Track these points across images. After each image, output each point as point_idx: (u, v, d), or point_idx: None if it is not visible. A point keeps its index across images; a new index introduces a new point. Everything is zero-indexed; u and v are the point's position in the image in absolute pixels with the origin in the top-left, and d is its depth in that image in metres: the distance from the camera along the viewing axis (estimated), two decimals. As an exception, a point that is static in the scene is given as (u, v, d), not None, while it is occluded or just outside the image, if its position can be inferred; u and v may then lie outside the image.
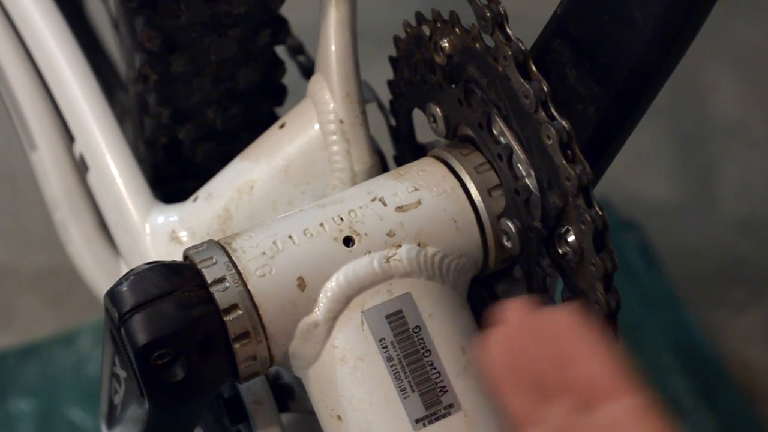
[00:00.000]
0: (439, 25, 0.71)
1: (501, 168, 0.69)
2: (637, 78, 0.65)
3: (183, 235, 0.82)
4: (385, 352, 0.66)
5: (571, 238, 0.65)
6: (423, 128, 0.77)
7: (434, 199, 0.69)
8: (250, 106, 0.90)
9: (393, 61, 0.77)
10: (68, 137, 0.91)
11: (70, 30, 0.90)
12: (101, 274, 0.95)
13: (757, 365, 1.51)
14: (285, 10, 0.86)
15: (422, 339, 0.67)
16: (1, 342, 1.53)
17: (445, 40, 0.70)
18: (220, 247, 0.67)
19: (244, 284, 0.65)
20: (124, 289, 0.64)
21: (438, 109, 0.73)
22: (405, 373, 0.66)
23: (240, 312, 0.65)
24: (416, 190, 0.69)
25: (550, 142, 0.64)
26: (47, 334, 1.53)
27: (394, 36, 0.76)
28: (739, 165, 1.74)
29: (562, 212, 0.65)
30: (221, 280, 0.65)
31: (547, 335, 0.53)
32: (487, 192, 0.69)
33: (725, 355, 1.51)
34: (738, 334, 1.54)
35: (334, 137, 0.76)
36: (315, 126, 0.77)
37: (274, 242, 0.67)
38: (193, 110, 0.88)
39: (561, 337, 0.53)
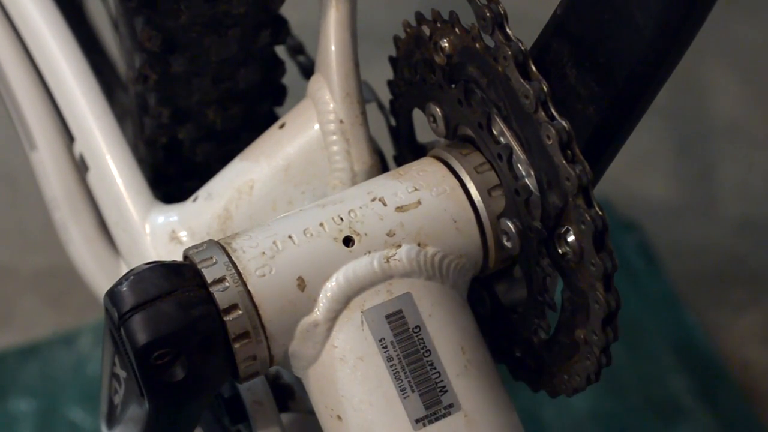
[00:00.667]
0: (439, 25, 0.71)
1: (501, 168, 0.69)
2: (637, 78, 0.65)
3: (183, 235, 0.82)
4: (385, 352, 0.66)
5: (571, 238, 0.65)
6: (423, 128, 0.77)
7: (434, 199, 0.69)
8: (250, 106, 0.90)
9: (393, 61, 0.77)
10: (68, 137, 0.91)
11: (70, 30, 0.90)
12: (101, 274, 0.95)
13: (757, 365, 1.51)
14: (285, 10, 0.86)
15: (422, 339, 0.67)
16: (1, 342, 1.53)
17: (445, 40, 0.70)
18: (220, 247, 0.67)
19: (244, 284, 0.65)
20: (124, 289, 0.64)
21: (438, 109, 0.73)
22: (405, 373, 0.66)
23: (240, 312, 0.65)
24: (416, 190, 0.69)
25: (550, 142, 0.64)
26: (47, 334, 1.53)
27: (394, 36, 0.76)
28: (739, 165, 1.74)
29: (562, 212, 0.65)
30: (221, 280, 0.65)
31: None
32: (487, 192, 0.69)
33: (725, 355, 1.51)
34: (738, 334, 1.55)
35: (334, 137, 0.76)
36: (315, 126, 0.77)
37: (274, 242, 0.67)
38: (193, 110, 0.88)
39: None
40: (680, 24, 0.63)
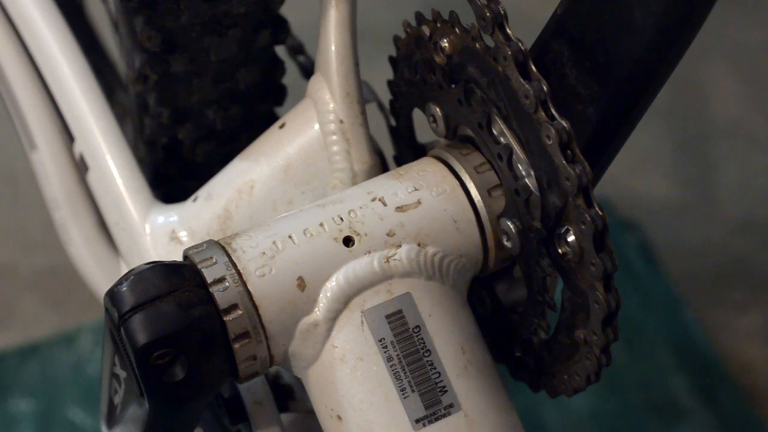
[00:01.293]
0: (439, 25, 0.71)
1: (501, 168, 0.69)
2: (637, 78, 0.65)
3: (183, 235, 0.82)
4: (385, 352, 0.66)
5: (571, 238, 0.65)
6: (423, 128, 0.77)
7: (434, 199, 0.69)
8: (250, 106, 0.90)
9: (393, 61, 0.77)
10: (68, 137, 0.91)
11: (70, 30, 0.90)
12: (101, 274, 0.95)
13: (757, 365, 1.51)
14: (285, 10, 0.86)
15: (422, 339, 0.67)
16: (1, 342, 1.53)
17: (445, 40, 0.70)
18: (220, 247, 0.67)
19: (244, 284, 0.65)
20: (124, 289, 0.64)
21: (438, 109, 0.73)
22: (405, 373, 0.66)
23: (240, 312, 0.65)
24: (416, 190, 0.69)
25: (550, 142, 0.64)
26: (47, 334, 1.53)
27: (394, 36, 0.76)
28: (739, 165, 1.74)
29: (562, 212, 0.65)
30: (221, 280, 0.65)
31: None
32: (487, 192, 0.69)
33: (725, 355, 1.51)
34: (738, 334, 1.54)
35: (334, 137, 0.76)
36: (315, 126, 0.77)
37: (274, 242, 0.67)
38: (193, 110, 0.88)
39: None
40: (680, 24, 0.63)
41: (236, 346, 0.65)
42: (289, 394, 0.80)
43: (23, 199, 1.67)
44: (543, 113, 0.64)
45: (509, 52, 0.65)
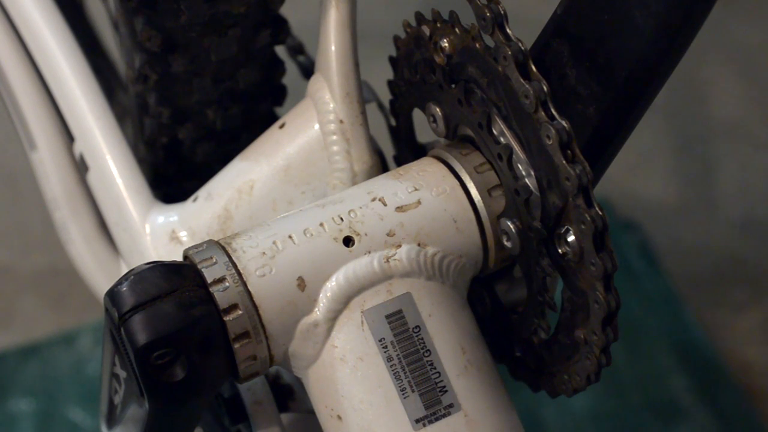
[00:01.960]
0: (439, 25, 0.71)
1: (501, 168, 0.69)
2: (637, 78, 0.65)
3: (183, 235, 0.82)
4: (385, 352, 0.66)
5: (571, 238, 0.65)
6: (423, 128, 0.77)
7: (434, 199, 0.69)
8: (250, 106, 0.90)
9: (393, 61, 0.77)
10: (68, 137, 0.91)
11: (70, 30, 0.90)
12: (101, 274, 0.95)
13: (757, 365, 1.51)
14: (285, 10, 0.86)
15: (422, 339, 0.67)
16: (1, 342, 1.53)
17: (445, 40, 0.70)
18: (220, 247, 0.67)
19: (244, 284, 0.65)
20: (124, 289, 0.64)
21: (438, 109, 0.73)
22: (405, 373, 0.66)
23: (240, 312, 0.65)
24: (416, 190, 0.69)
25: (550, 142, 0.64)
26: (47, 334, 1.53)
27: (394, 36, 0.76)
28: (739, 165, 1.74)
29: (562, 212, 0.65)
30: (221, 280, 0.65)
31: None
32: (487, 192, 0.69)
33: (725, 355, 1.51)
34: (738, 334, 1.55)
35: (334, 137, 0.76)
36: (315, 126, 0.77)
37: (274, 242, 0.67)
38: (193, 110, 0.88)
39: None
40: (680, 24, 0.63)
41: (236, 346, 0.65)
42: (289, 394, 0.80)
43: (23, 199, 1.67)
44: (543, 113, 0.64)
45: (509, 52, 0.65)
